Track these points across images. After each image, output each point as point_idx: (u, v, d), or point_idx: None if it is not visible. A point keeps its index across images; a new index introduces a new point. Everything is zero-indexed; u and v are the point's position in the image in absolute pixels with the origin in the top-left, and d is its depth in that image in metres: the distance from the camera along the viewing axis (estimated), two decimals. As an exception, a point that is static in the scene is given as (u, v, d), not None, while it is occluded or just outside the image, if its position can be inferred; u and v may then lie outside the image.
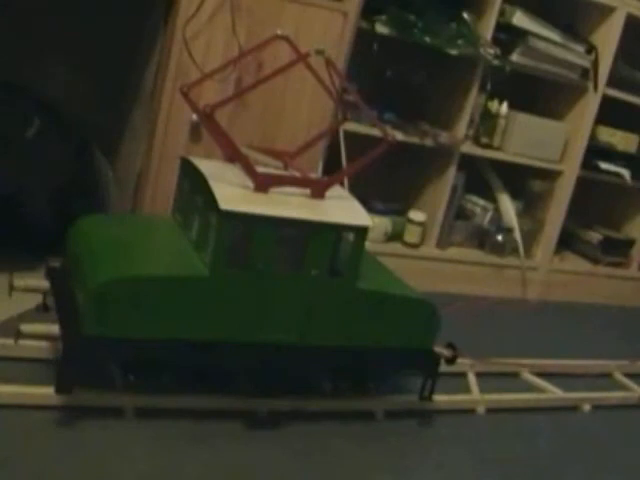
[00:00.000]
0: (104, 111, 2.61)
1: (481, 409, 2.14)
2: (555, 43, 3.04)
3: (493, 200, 3.27)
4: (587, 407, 2.34)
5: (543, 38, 3.01)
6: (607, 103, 3.22)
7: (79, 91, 2.56)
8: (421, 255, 3.07)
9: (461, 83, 2.98)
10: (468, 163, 3.10)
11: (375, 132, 2.83)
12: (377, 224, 3.01)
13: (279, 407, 1.88)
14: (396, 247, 3.05)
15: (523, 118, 3.12)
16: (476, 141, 3.09)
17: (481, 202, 3.28)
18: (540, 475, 1.96)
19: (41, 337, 1.71)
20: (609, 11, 3.12)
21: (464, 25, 2.85)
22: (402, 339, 1.88)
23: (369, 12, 2.64)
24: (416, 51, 2.85)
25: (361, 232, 1.74)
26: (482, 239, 3.27)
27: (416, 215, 3.04)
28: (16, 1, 2.46)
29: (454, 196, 3.09)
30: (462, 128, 2.99)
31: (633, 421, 2.38)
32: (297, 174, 1.92)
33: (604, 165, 3.37)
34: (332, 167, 2.68)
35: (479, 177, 3.27)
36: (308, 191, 1.79)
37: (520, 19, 2.95)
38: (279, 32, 1.98)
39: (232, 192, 1.66)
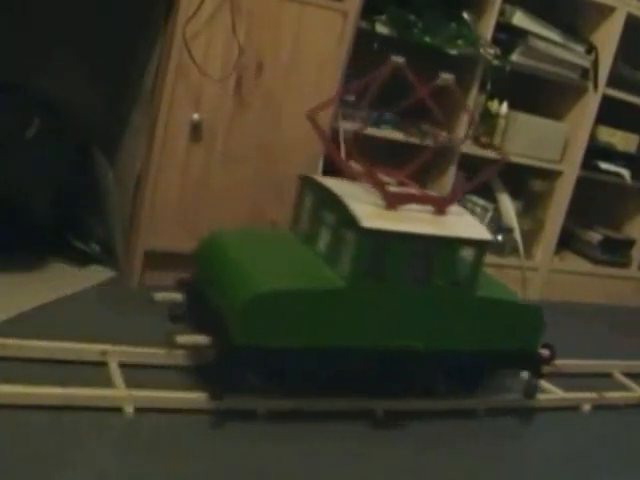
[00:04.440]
0: (104, 111, 2.61)
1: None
2: (555, 43, 3.04)
3: (493, 200, 3.27)
4: (587, 407, 2.35)
5: (543, 38, 3.01)
6: (607, 103, 3.22)
7: (79, 91, 2.56)
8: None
9: (461, 83, 2.98)
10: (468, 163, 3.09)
11: (375, 133, 2.84)
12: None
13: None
14: (396, 247, 3.04)
15: (523, 118, 3.12)
16: (476, 141, 3.09)
17: (481, 202, 3.28)
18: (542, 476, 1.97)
19: (193, 347, 1.82)
20: (609, 11, 3.12)
21: (464, 25, 2.85)
22: (513, 341, 2.05)
23: (369, 12, 2.64)
24: (416, 51, 2.84)
25: (482, 245, 1.91)
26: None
27: (416, 215, 3.04)
28: (16, 1, 2.46)
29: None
30: (462, 128, 2.99)
31: (633, 421, 2.38)
32: (415, 191, 2.05)
33: (604, 165, 3.37)
34: (332, 167, 2.68)
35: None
36: (430, 208, 1.94)
37: (520, 19, 2.95)
38: (395, 59, 2.05)
39: (367, 210, 1.81)
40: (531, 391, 2.16)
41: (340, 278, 1.81)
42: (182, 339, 1.78)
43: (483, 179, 2.00)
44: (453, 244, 1.87)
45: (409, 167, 2.06)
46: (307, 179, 2.05)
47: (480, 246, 1.90)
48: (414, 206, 1.91)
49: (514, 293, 2.11)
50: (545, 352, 2.15)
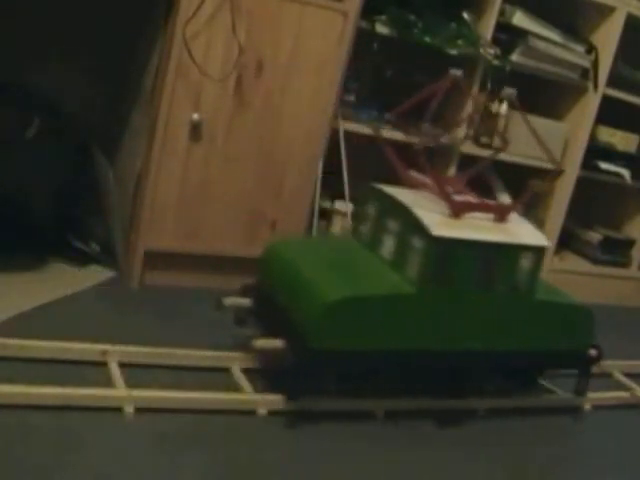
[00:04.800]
0: (104, 111, 2.61)
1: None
2: (555, 43, 3.04)
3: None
4: (587, 407, 2.35)
5: (543, 38, 3.00)
6: (607, 103, 3.22)
7: (79, 91, 2.56)
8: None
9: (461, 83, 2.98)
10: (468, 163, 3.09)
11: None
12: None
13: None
14: (396, 247, 3.05)
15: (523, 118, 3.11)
16: (476, 141, 3.09)
17: (481, 202, 3.28)
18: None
19: (270, 351, 1.87)
20: (609, 11, 3.12)
21: (464, 25, 2.85)
22: (566, 342, 2.15)
23: (369, 12, 2.63)
24: (416, 51, 2.85)
25: (540, 251, 2.00)
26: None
27: (416, 215, 3.04)
28: (16, 2, 2.46)
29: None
30: (462, 128, 2.98)
31: (633, 421, 2.38)
32: (476, 200, 2.14)
33: (604, 165, 3.37)
34: (332, 167, 2.68)
35: (479, 177, 3.27)
36: (491, 216, 2.04)
37: (520, 19, 2.95)
38: (454, 72, 2.12)
39: (434, 218, 1.90)
40: (582, 389, 2.27)
41: (408, 283, 1.90)
42: (259, 343, 1.85)
43: (529, 194, 2.07)
44: (515, 250, 1.97)
45: (466, 175, 2.16)
46: (370, 188, 2.14)
47: (539, 252, 2.01)
48: (476, 214, 2.01)
49: (567, 295, 2.19)
50: (593, 352, 2.23)
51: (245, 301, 2.09)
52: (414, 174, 2.12)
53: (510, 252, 1.97)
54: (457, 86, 2.12)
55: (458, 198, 2.01)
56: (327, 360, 1.85)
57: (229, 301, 2.07)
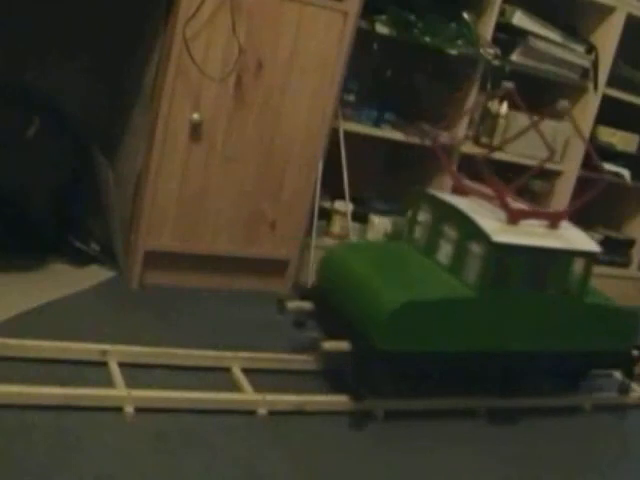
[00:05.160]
0: (104, 111, 2.61)
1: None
2: (555, 43, 3.04)
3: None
4: (587, 407, 2.35)
5: (543, 38, 3.00)
6: (607, 103, 3.22)
7: (79, 91, 2.56)
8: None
9: (461, 83, 2.98)
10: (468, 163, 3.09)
11: (375, 133, 2.84)
12: (377, 224, 3.01)
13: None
14: (396, 247, 3.05)
15: (523, 118, 3.11)
16: (476, 141, 3.09)
17: (481, 202, 3.28)
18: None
19: (338, 351, 1.93)
20: (609, 11, 3.12)
21: (464, 25, 2.84)
22: (612, 343, 2.24)
23: (369, 12, 2.63)
24: (416, 51, 2.85)
25: (592, 257, 2.09)
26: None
27: (416, 215, 3.04)
28: (16, 2, 2.46)
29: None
30: (462, 128, 2.98)
31: (633, 421, 2.38)
32: (528, 207, 2.22)
33: (604, 165, 3.36)
34: (332, 167, 2.68)
35: (479, 177, 3.26)
36: (544, 222, 2.12)
37: (520, 19, 2.94)
38: (506, 84, 2.21)
39: (493, 225, 1.98)
40: (625, 388, 2.37)
41: (468, 287, 1.98)
42: (327, 345, 1.91)
43: (589, 198, 2.16)
44: (568, 255, 2.07)
45: (516, 183, 2.22)
46: (423, 194, 2.23)
47: (590, 257, 2.09)
48: (531, 221, 2.10)
49: (610, 298, 2.26)
50: (636, 352, 2.29)
51: (306, 305, 2.15)
52: (467, 182, 2.22)
53: (564, 257, 2.06)
54: (510, 98, 2.20)
55: (515, 206, 2.10)
56: (391, 361, 1.92)
57: (292, 305, 2.14)
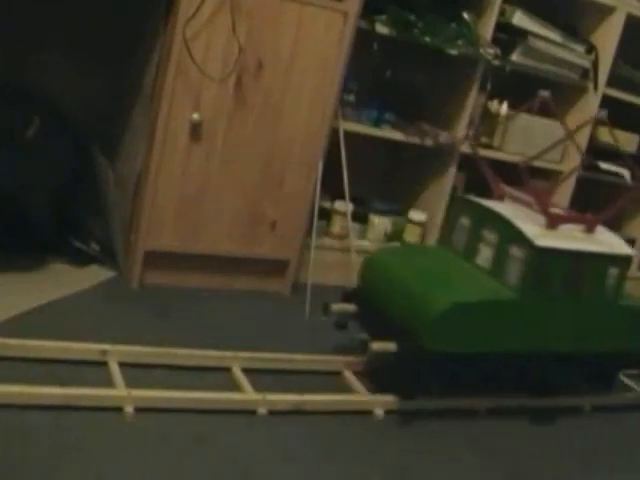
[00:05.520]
0: (104, 111, 2.61)
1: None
2: (555, 43, 3.04)
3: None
4: (587, 407, 2.35)
5: (543, 38, 3.00)
6: (607, 103, 3.22)
7: (79, 91, 2.56)
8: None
9: (461, 83, 2.98)
10: (468, 163, 3.09)
11: (375, 133, 2.84)
12: (377, 224, 3.01)
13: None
14: (396, 247, 3.05)
15: (523, 118, 3.11)
16: (476, 141, 3.09)
17: (481, 202, 3.28)
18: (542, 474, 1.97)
19: (385, 352, 1.98)
20: (609, 11, 3.12)
21: (464, 25, 2.84)
22: None
23: (369, 12, 2.63)
24: (416, 51, 2.85)
25: (627, 260, 2.18)
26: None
27: (416, 215, 3.04)
28: (16, 1, 2.46)
29: (454, 196, 3.08)
30: (462, 128, 2.98)
31: (633, 421, 2.38)
32: (565, 212, 2.31)
33: (604, 165, 3.37)
34: (332, 167, 2.68)
35: (479, 177, 3.26)
36: (581, 227, 2.20)
37: (520, 19, 2.94)
38: (542, 93, 2.28)
39: (534, 230, 2.05)
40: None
41: (509, 290, 2.05)
42: (375, 345, 1.97)
43: (623, 203, 2.24)
44: (605, 259, 2.13)
45: (553, 190, 2.36)
46: (462, 199, 2.32)
47: (626, 261, 2.17)
48: (569, 225, 2.18)
49: (638, 299, 2.32)
50: None
51: (350, 307, 2.20)
52: (506, 188, 2.29)
53: (601, 261, 2.13)
54: (546, 107, 2.32)
55: (554, 211, 2.18)
56: (438, 361, 1.99)
57: (336, 307, 2.19)
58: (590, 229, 2.20)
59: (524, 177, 2.14)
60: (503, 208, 2.17)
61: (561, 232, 2.13)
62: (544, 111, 2.56)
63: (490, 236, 2.13)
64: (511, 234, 2.07)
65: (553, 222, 2.12)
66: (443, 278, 2.12)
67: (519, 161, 2.17)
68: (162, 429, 1.74)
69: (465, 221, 2.24)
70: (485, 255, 2.15)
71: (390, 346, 1.98)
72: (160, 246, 2.47)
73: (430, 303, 1.97)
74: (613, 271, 2.16)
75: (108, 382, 1.84)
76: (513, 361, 2.10)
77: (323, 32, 2.48)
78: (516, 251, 2.05)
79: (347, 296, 2.24)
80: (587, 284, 2.12)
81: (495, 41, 2.91)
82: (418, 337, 1.96)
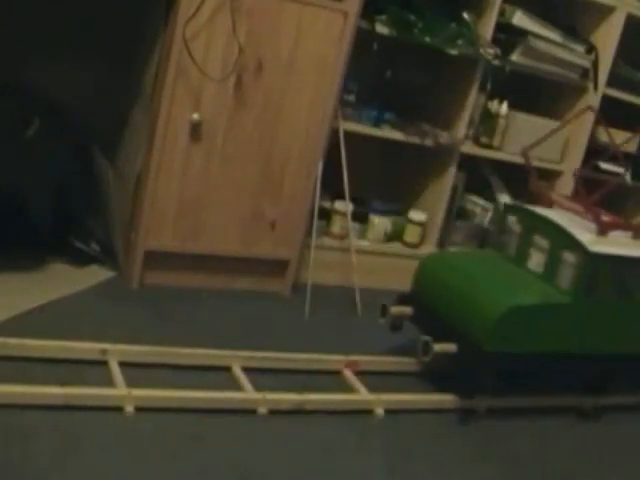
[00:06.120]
0: (104, 111, 2.61)
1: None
2: (555, 43, 3.04)
3: (493, 200, 3.26)
4: (587, 407, 2.34)
5: (543, 38, 3.00)
6: (607, 103, 3.22)
7: (79, 91, 2.56)
8: (421, 255, 3.05)
9: (461, 83, 2.98)
10: (468, 163, 3.10)
11: (375, 133, 2.84)
12: (377, 224, 3.01)
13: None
14: (396, 247, 3.05)
15: (523, 118, 3.11)
16: (476, 141, 3.09)
17: (481, 202, 3.28)
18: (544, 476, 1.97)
19: (444, 353, 2.07)
20: (609, 11, 3.12)
21: (464, 25, 2.85)
22: None
23: (369, 12, 2.63)
24: (416, 51, 2.85)
25: None
26: (482, 239, 3.27)
27: (416, 215, 3.04)
28: (16, 1, 2.46)
29: (454, 196, 3.09)
30: (462, 128, 2.99)
31: (633, 421, 2.38)
32: (612, 218, 2.39)
33: (604, 165, 3.37)
34: (332, 167, 2.68)
35: (479, 177, 3.27)
36: (629, 233, 2.30)
37: (520, 19, 2.94)
38: (589, 105, 2.33)
39: (586, 236, 2.13)
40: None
41: (562, 294, 2.14)
42: (437, 347, 2.04)
43: None
44: None
45: (597, 196, 2.33)
46: (512, 206, 2.42)
47: None
48: (618, 232, 2.27)
49: None
50: None
51: (407, 309, 2.28)
52: (555, 196, 2.39)
53: None
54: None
55: (605, 218, 2.26)
56: (497, 362, 2.07)
57: (394, 310, 2.27)
58: (638, 235, 2.30)
59: (577, 186, 2.23)
60: (554, 215, 2.25)
61: (612, 239, 2.21)
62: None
63: (542, 242, 2.23)
64: (564, 240, 2.16)
65: (604, 229, 2.20)
66: (500, 282, 2.21)
67: (574, 171, 2.37)
68: (162, 428, 1.74)
69: (515, 227, 2.33)
70: (537, 260, 2.24)
71: (450, 347, 2.06)
72: (160, 246, 2.47)
73: (490, 306, 2.07)
74: None
75: (108, 382, 1.84)
76: (566, 361, 2.17)
77: (323, 32, 2.48)
78: (569, 256, 2.14)
79: (403, 299, 2.32)
80: (637, 288, 2.22)
81: (495, 41, 2.91)
82: (477, 338, 2.05)
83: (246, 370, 2.04)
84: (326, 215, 2.86)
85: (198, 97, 2.36)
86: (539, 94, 3.34)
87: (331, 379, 2.15)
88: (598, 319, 2.19)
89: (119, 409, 1.75)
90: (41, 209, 2.42)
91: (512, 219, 2.35)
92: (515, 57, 2.98)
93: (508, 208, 2.43)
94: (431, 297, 2.26)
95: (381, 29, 2.69)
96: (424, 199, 3.14)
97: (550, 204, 2.38)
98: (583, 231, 2.17)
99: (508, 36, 2.96)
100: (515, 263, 2.30)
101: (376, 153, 3.08)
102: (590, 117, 3.22)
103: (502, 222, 2.41)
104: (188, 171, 2.42)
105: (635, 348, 2.29)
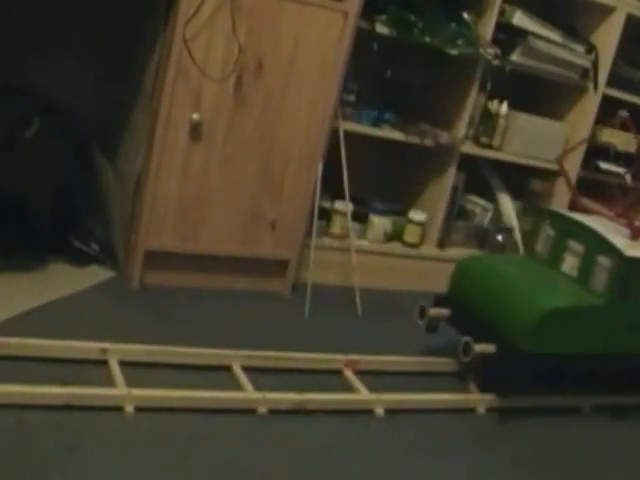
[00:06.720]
0: (104, 111, 2.61)
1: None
2: (555, 43, 3.04)
3: (493, 200, 3.27)
4: (587, 407, 2.35)
5: (543, 38, 3.00)
6: (607, 103, 3.22)
7: (79, 91, 2.56)
8: (421, 255, 3.07)
9: (461, 83, 2.98)
10: (468, 163, 3.10)
11: (375, 133, 2.84)
12: (377, 224, 3.01)
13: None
14: (396, 247, 3.05)
15: (523, 118, 3.12)
16: (476, 141, 3.09)
17: (481, 202, 3.28)
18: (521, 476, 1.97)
19: (481, 353, 2.11)
20: (609, 11, 3.12)
21: (464, 25, 2.85)
22: None
23: (369, 12, 2.63)
24: (416, 51, 2.85)
25: None
26: (482, 239, 3.27)
27: (416, 215, 3.04)
28: (17, 1, 2.46)
29: (454, 196, 3.09)
30: (462, 128, 2.99)
31: (633, 421, 2.38)
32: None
33: (604, 165, 3.37)
34: (332, 167, 2.68)
35: (479, 177, 3.27)
36: None
37: (520, 19, 2.94)
38: (622, 113, 2.40)
39: (620, 241, 2.20)
40: None
41: (597, 296, 2.20)
42: (477, 347, 2.09)
43: None
44: None
45: (627, 201, 2.43)
46: (546, 211, 2.50)
47: None
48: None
49: None
50: None
51: (444, 311, 2.32)
52: (586, 201, 2.46)
53: None
54: (625, 127, 2.48)
55: (638, 223, 2.32)
56: (535, 362, 2.13)
57: (433, 311, 2.31)
58: None
59: (615, 192, 2.35)
60: (588, 220, 2.31)
61: None
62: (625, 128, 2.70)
63: (576, 246, 2.29)
64: (599, 245, 2.21)
65: (637, 234, 2.27)
66: (537, 284, 2.26)
67: (613, 183, 2.43)
68: (162, 428, 1.74)
69: (549, 231, 2.38)
70: (571, 264, 2.29)
71: (490, 347, 2.10)
72: (160, 246, 2.47)
73: (529, 307, 2.12)
74: None
75: (108, 381, 1.84)
76: (601, 361, 2.23)
77: (323, 32, 2.48)
78: (604, 260, 2.19)
79: (440, 301, 2.36)
80: None
81: (495, 41, 2.91)
82: (516, 339, 2.09)
83: (246, 370, 2.04)
84: (326, 215, 2.86)
85: (198, 97, 2.36)
86: (539, 94, 3.34)
87: (331, 379, 2.15)
88: (631, 321, 2.25)
89: (119, 409, 1.75)
90: (41, 209, 2.43)
91: (547, 223, 2.40)
92: (515, 57, 2.98)
93: (543, 212, 2.49)
94: (469, 299, 2.31)
95: (381, 29, 2.70)
96: (424, 199, 3.14)
97: (584, 210, 2.44)
98: (617, 236, 2.23)
99: (508, 36, 2.96)
100: (549, 266, 2.35)
101: (376, 153, 3.08)
102: (590, 117, 3.22)
103: (536, 226, 2.45)
104: (188, 171, 2.42)
105: None
